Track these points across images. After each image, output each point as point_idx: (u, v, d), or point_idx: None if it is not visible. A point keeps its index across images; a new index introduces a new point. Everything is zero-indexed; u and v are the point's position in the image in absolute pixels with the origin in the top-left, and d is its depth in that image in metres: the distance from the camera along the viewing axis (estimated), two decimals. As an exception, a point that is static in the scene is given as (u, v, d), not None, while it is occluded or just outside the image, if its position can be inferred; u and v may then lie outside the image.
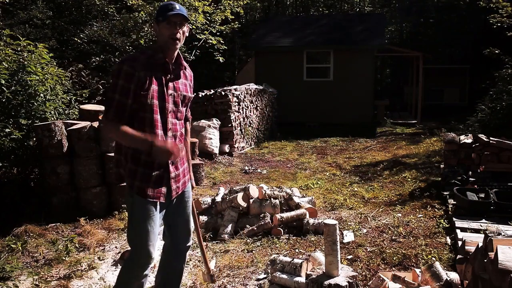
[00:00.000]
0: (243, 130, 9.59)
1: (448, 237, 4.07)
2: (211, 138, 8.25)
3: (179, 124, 2.46)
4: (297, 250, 3.95)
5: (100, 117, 5.15)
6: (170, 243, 2.60)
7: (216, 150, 8.41)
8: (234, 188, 4.90)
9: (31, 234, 4.27)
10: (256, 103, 10.52)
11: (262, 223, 4.31)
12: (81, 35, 12.08)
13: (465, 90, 18.10)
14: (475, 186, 5.09)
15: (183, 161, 2.52)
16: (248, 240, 4.18)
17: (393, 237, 4.15)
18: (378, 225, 4.55)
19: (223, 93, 8.90)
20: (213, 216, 4.68)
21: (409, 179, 6.54)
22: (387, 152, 9.12)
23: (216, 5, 11.33)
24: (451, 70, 18.51)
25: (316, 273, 2.53)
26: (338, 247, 2.48)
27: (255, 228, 4.31)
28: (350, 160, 8.44)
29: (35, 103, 5.25)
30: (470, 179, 5.42)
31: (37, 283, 3.35)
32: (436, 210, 4.94)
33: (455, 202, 4.62)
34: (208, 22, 10.97)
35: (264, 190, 4.64)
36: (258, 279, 3.39)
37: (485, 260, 2.33)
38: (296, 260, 3.15)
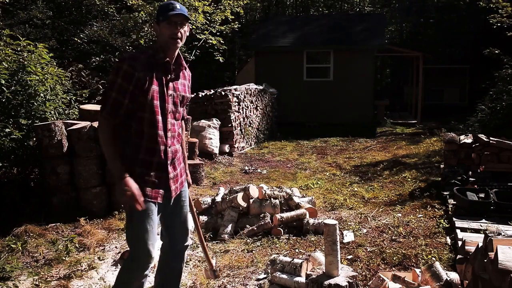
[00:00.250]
0: (243, 130, 9.59)
1: (448, 237, 4.07)
2: (211, 138, 8.25)
3: (177, 124, 2.46)
4: (297, 250, 3.95)
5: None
6: (168, 243, 2.60)
7: (216, 150, 8.41)
8: (234, 188, 4.90)
9: (31, 234, 4.26)
10: (256, 103, 10.52)
11: (262, 223, 4.31)
12: (81, 35, 12.07)
13: (465, 90, 18.11)
14: (475, 186, 5.09)
15: (180, 161, 2.51)
16: (248, 240, 4.18)
17: (393, 237, 4.15)
18: (378, 225, 4.55)
19: (223, 93, 8.90)
20: (213, 216, 4.68)
21: (409, 179, 6.54)
22: (387, 152, 9.12)
23: (216, 5, 11.33)
24: (451, 70, 18.51)
25: (316, 273, 2.53)
26: (338, 247, 2.48)
27: (255, 228, 4.31)
28: (350, 160, 8.44)
29: (35, 103, 5.25)
30: (470, 179, 5.42)
31: (37, 283, 3.35)
32: (436, 210, 4.94)
33: (455, 202, 4.62)
34: (208, 22, 10.96)
35: (264, 190, 4.64)
36: (258, 279, 3.38)
37: (485, 260, 2.33)
38: (296, 260, 3.15)
